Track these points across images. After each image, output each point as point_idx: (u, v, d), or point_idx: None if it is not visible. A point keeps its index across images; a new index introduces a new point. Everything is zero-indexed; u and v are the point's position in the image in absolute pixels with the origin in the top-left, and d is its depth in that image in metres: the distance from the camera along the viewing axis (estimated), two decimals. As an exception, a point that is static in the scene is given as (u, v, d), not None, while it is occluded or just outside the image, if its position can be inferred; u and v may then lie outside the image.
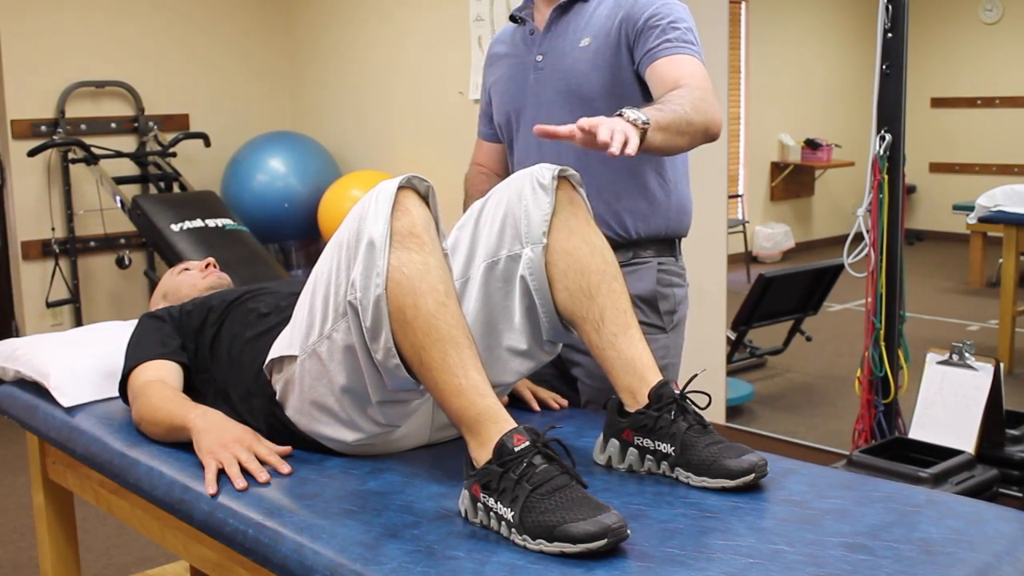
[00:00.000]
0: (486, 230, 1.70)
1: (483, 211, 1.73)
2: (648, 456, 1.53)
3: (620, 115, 1.57)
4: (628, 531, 1.28)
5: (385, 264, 1.45)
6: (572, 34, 2.02)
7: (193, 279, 2.25)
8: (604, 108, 1.96)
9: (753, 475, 1.45)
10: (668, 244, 2.08)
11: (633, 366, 1.57)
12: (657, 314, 2.04)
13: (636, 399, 1.56)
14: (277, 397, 1.70)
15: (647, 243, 2.04)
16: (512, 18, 2.16)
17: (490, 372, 1.49)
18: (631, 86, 1.96)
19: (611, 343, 1.59)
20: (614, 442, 1.57)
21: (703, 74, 1.88)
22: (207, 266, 2.29)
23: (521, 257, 1.65)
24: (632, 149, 1.50)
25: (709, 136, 1.79)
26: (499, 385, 1.70)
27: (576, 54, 1.99)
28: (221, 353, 1.89)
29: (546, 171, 1.66)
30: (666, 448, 1.50)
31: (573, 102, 1.99)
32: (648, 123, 1.59)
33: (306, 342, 1.60)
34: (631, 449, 1.55)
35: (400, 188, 1.49)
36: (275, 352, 1.69)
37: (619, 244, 1.99)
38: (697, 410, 1.53)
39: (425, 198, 1.52)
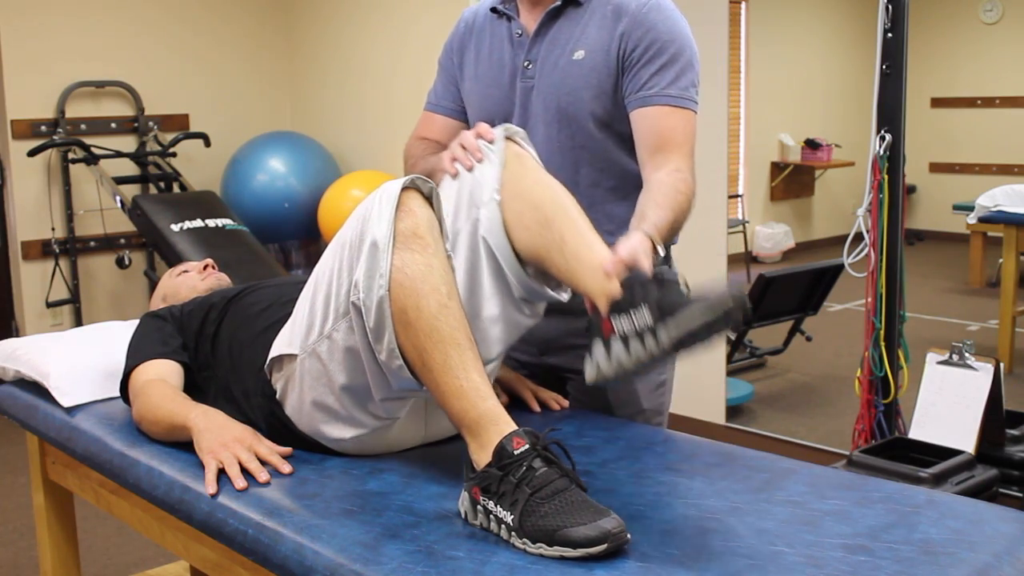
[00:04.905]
0: (447, 209, 1.66)
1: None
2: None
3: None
4: (628, 535, 1.28)
5: (388, 265, 1.45)
6: (565, 43, 1.87)
7: (192, 281, 2.24)
8: (593, 131, 1.87)
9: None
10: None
11: (597, 268, 1.50)
12: None
13: (609, 298, 1.47)
14: (277, 396, 1.70)
15: None
16: (493, 9, 1.97)
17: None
18: (623, 109, 1.86)
19: (575, 256, 1.56)
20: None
21: (689, 134, 1.83)
22: (205, 267, 2.29)
23: (479, 220, 1.65)
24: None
25: (691, 208, 1.81)
26: (488, 361, 1.65)
27: (568, 67, 1.85)
28: (222, 351, 1.89)
29: (495, 134, 1.68)
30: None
31: (562, 120, 1.88)
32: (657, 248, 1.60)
33: (306, 341, 1.60)
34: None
35: (404, 189, 1.49)
36: (275, 351, 1.69)
37: None
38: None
39: (428, 199, 1.52)
